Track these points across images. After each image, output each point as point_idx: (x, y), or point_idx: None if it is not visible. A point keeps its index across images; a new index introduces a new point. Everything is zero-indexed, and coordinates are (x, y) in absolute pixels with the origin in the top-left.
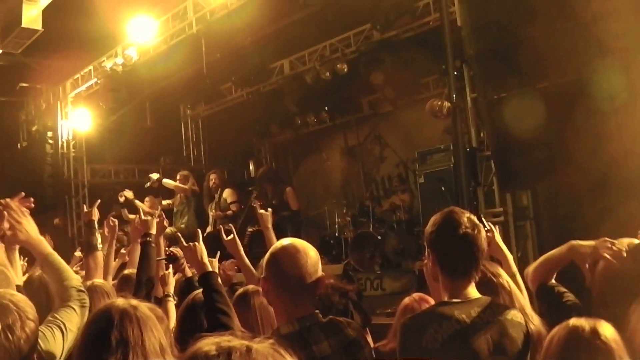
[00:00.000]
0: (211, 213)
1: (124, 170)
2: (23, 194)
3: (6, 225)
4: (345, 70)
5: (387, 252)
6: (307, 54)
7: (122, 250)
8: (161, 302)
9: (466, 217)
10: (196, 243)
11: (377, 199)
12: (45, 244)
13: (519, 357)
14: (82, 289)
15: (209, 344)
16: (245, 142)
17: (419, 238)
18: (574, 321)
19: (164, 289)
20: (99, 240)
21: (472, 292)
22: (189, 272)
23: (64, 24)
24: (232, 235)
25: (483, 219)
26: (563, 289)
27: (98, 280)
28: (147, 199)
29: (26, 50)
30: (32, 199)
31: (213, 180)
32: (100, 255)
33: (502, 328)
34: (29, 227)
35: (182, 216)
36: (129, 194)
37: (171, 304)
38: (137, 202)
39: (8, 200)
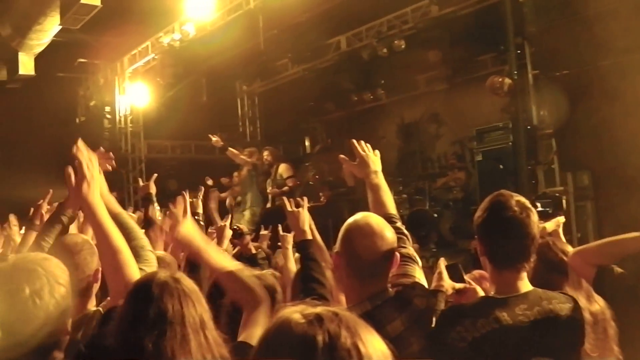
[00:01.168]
0: (269, 189)
1: (180, 145)
2: (102, 148)
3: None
4: (403, 46)
5: (442, 230)
6: (364, 30)
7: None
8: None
9: (515, 200)
10: (300, 209)
11: (432, 177)
12: (115, 203)
13: (568, 355)
14: (151, 249)
15: (292, 312)
16: (300, 118)
17: None
18: None
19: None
20: (158, 213)
21: (523, 285)
22: (252, 249)
23: (123, 0)
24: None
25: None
26: (621, 270)
27: (159, 252)
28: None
29: (85, 27)
30: (112, 154)
31: (265, 157)
32: (159, 228)
33: (552, 325)
34: (102, 183)
35: (245, 193)
36: (209, 182)
37: None
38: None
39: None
